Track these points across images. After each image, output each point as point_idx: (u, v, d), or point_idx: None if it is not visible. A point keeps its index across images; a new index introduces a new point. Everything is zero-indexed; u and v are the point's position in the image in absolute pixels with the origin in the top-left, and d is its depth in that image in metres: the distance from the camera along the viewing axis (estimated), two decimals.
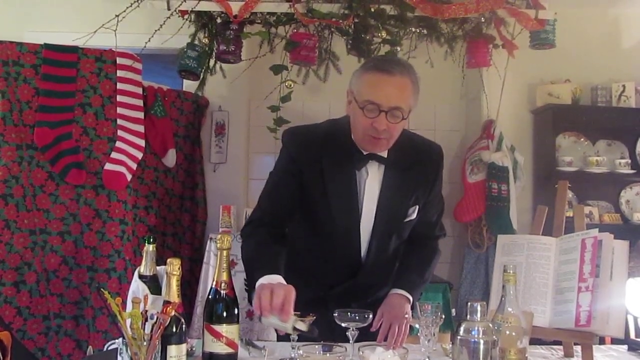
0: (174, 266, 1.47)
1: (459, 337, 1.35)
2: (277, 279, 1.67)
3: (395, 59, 2.02)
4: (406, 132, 1.92)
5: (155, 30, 3.07)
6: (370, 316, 1.68)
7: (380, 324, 1.78)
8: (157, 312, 1.37)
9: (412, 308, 1.84)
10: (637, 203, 4.09)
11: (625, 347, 1.90)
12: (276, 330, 1.94)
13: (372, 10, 3.14)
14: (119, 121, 3.17)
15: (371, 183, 1.88)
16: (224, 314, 1.54)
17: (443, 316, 1.66)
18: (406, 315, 1.78)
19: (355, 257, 1.91)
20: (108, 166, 3.08)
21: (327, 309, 1.74)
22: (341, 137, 1.88)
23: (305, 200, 1.91)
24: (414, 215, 1.94)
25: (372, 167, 1.87)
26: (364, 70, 1.81)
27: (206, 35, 3.33)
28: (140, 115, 3.29)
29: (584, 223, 1.81)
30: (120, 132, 3.17)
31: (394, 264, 2.02)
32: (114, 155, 3.11)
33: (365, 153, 1.86)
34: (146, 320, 1.37)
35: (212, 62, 3.41)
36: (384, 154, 1.87)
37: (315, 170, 1.87)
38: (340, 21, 3.12)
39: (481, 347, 1.32)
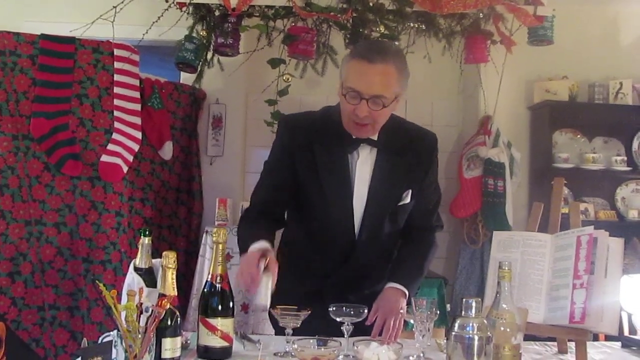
0: (170, 259, 1.47)
1: (453, 333, 1.35)
2: (262, 244, 1.72)
3: (382, 45, 1.99)
4: (398, 117, 1.96)
5: (153, 22, 3.06)
6: (365, 311, 1.69)
7: (375, 319, 1.78)
8: (152, 305, 1.38)
9: (409, 302, 1.84)
10: (633, 200, 4.10)
11: (619, 344, 1.91)
12: (272, 324, 1.95)
13: (371, 4, 3.14)
14: (116, 113, 3.16)
15: (362, 166, 1.90)
16: (219, 307, 1.55)
17: (438, 312, 1.67)
18: (401, 310, 1.79)
19: (349, 239, 1.92)
20: (104, 158, 3.07)
21: (323, 302, 1.74)
22: (333, 122, 1.90)
23: (300, 184, 1.93)
24: (408, 199, 1.95)
25: (363, 150, 1.90)
26: (350, 57, 1.83)
27: (204, 27, 3.32)
28: (137, 107, 3.27)
29: (580, 220, 1.81)
30: (116, 124, 3.16)
31: (389, 253, 2.03)
32: (110, 147, 3.10)
33: (354, 137, 1.88)
34: (141, 312, 1.37)
35: (209, 54, 3.40)
36: (375, 137, 1.90)
37: (307, 154, 1.90)
38: (339, 15, 3.12)
39: (475, 343, 1.32)
